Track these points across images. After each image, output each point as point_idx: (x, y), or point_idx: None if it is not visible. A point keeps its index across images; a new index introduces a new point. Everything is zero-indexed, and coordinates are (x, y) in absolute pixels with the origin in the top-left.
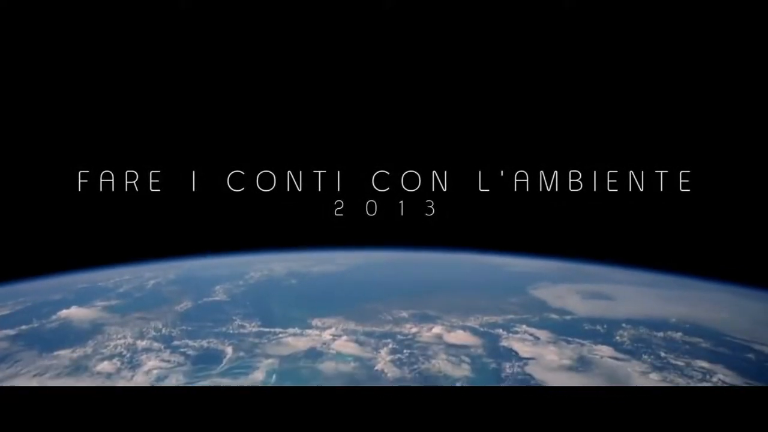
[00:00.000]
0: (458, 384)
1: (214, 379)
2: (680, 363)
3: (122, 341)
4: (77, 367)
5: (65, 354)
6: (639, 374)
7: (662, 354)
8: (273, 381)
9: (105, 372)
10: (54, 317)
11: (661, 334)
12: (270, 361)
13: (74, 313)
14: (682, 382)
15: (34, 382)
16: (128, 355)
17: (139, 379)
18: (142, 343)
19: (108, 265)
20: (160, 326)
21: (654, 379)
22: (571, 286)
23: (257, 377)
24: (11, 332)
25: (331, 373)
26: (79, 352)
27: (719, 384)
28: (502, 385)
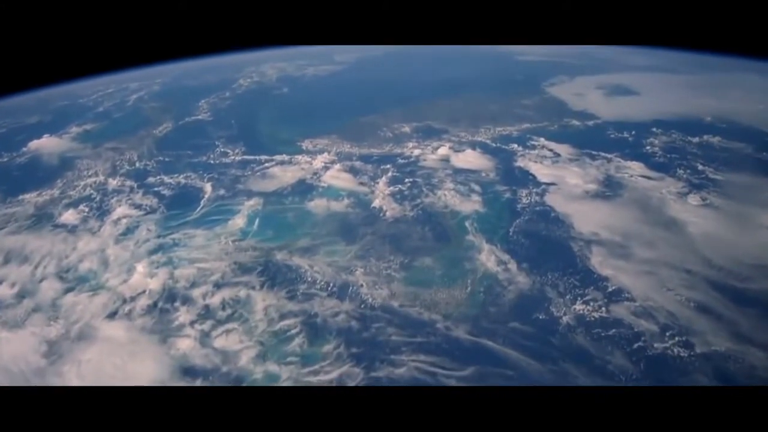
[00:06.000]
0: (467, 223)
1: (188, 230)
2: (720, 178)
3: (92, 179)
4: (40, 218)
5: (30, 198)
6: (675, 198)
7: (699, 167)
8: (255, 227)
9: (69, 223)
10: (24, 149)
11: (696, 139)
12: (253, 201)
13: (45, 143)
14: (723, 204)
15: None
16: (97, 198)
17: (107, 231)
18: (113, 183)
19: (97, 74)
20: (135, 159)
21: (692, 204)
22: (589, 79)
23: (237, 224)
24: None
25: (321, 213)
26: (45, 195)
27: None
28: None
